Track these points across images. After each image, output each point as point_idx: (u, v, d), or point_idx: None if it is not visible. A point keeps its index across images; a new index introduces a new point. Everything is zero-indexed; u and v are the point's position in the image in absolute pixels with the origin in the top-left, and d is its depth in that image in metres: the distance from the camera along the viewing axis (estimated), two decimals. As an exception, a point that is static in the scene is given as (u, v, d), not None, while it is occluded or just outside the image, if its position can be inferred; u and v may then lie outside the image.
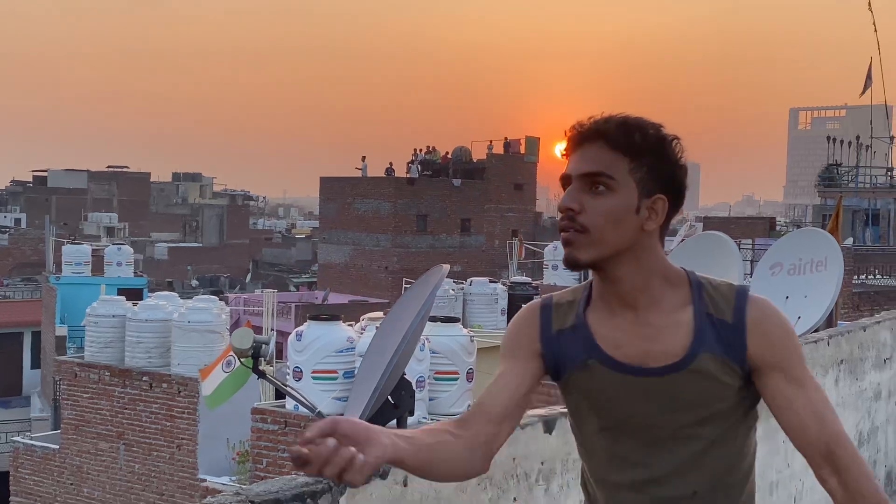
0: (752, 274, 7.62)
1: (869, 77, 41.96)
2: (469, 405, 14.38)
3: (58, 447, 19.49)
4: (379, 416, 3.61)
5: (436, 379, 13.87)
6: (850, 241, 37.19)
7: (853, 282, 30.36)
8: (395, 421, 3.72)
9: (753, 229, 42.20)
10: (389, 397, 3.59)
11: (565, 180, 1.87)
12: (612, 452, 1.93)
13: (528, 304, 2.07)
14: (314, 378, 13.52)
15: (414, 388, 12.63)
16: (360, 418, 3.84)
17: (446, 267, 4.12)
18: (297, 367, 13.71)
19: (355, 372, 13.27)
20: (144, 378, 18.23)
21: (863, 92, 42.83)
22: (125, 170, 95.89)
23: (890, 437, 6.81)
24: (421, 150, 51.56)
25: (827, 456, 1.81)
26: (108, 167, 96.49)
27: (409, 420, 3.87)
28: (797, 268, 7.05)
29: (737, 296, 1.87)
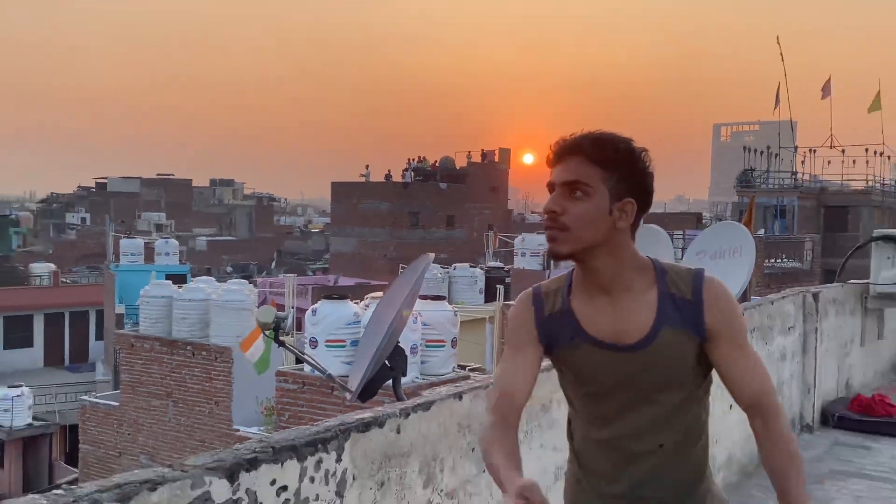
0: (682, 259, 7.57)
1: (777, 98, 42.03)
2: (454, 367, 14.35)
3: (118, 404, 19.38)
4: (378, 376, 3.60)
5: (427, 346, 13.87)
6: (762, 231, 37.33)
7: (765, 265, 30.46)
8: (391, 381, 3.72)
9: (684, 222, 42.29)
10: (386, 361, 3.60)
11: (550, 187, 1.87)
12: (594, 414, 1.95)
13: (521, 295, 2.05)
14: (327, 346, 13.53)
15: (408, 353, 12.72)
16: (362, 378, 3.84)
17: (431, 255, 4.11)
18: (313, 337, 13.71)
19: (359, 341, 13.32)
20: (188, 347, 18.15)
21: (774, 109, 42.89)
22: (171, 177, 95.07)
23: (794, 390, 6.79)
24: (413, 160, 51.33)
25: (757, 404, 1.87)
26: (157, 175, 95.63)
27: (403, 379, 3.86)
28: (718, 254, 7.05)
29: (694, 277, 1.88)
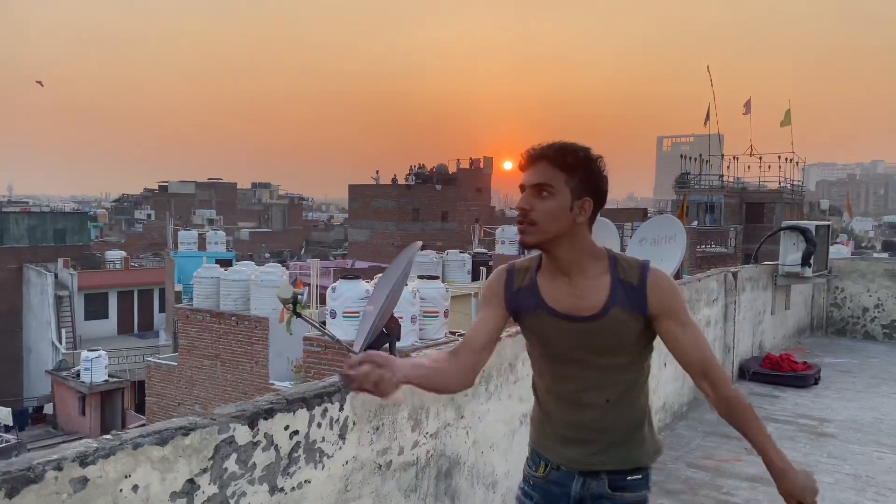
0: (628, 245, 7.53)
1: (707, 115, 41.90)
2: (446, 333, 14.31)
3: (176, 364, 19.32)
4: (377, 341, 3.57)
5: (424, 316, 13.83)
6: (695, 223, 37.27)
7: (697, 250, 30.44)
8: (387, 344, 3.68)
9: (633, 216, 42.20)
10: (384, 329, 3.56)
11: (522, 188, 1.86)
12: (554, 371, 1.96)
13: (498, 268, 2.06)
14: (343, 317, 13.46)
15: (408, 322, 12.67)
16: (363, 344, 3.80)
17: (419, 243, 4.06)
18: (332, 309, 13.65)
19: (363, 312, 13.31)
20: (233, 318, 18.04)
21: (705, 124, 42.78)
22: (219, 180, 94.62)
23: (716, 350, 6.73)
24: (415, 166, 51.08)
25: (703, 373, 1.87)
26: (209, 179, 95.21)
27: (399, 344, 3.83)
28: (656, 241, 7.00)
29: (641, 267, 1.88)
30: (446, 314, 14.42)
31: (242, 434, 2.18)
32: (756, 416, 1.85)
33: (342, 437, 2.55)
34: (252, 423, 2.21)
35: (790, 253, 7.98)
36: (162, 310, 35.54)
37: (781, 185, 40.93)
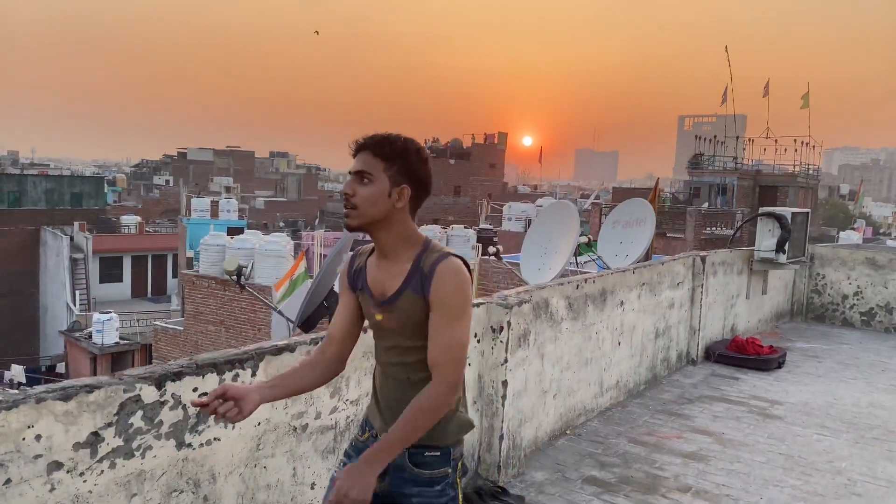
0: (601, 226, 7.64)
1: (724, 96, 41.50)
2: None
3: (182, 329, 19.78)
4: (315, 314, 3.77)
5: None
6: (705, 205, 37.09)
7: (703, 232, 30.36)
8: (327, 316, 3.88)
9: (643, 195, 42.10)
10: (324, 302, 3.76)
11: (350, 173, 1.98)
12: (376, 346, 2.12)
13: (351, 252, 2.21)
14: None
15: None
16: (300, 317, 4.01)
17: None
18: (335, 285, 13.89)
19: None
20: (236, 285, 18.39)
21: (721, 105, 42.36)
22: (238, 148, 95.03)
23: (681, 331, 6.90)
24: (428, 140, 51.16)
25: (433, 365, 1.92)
26: (227, 146, 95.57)
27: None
28: (628, 223, 7.15)
29: (437, 258, 1.94)
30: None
31: (149, 393, 2.39)
32: (413, 427, 1.88)
33: (254, 400, 2.75)
34: (160, 384, 2.42)
35: (765, 239, 8.07)
36: (175, 275, 36.11)
37: (796, 168, 40.48)
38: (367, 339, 3.31)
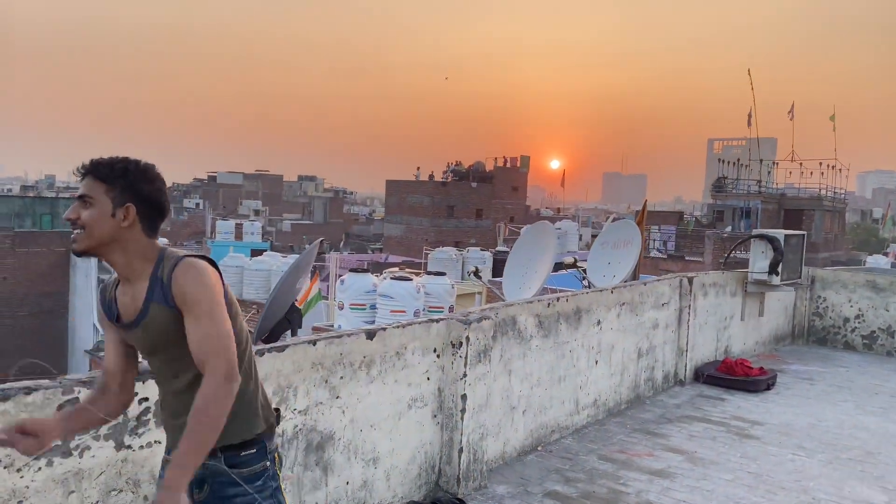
0: (591, 248, 7.72)
1: (749, 119, 41.27)
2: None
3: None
4: (278, 326, 3.92)
5: (429, 311, 14.09)
6: (728, 229, 36.77)
7: (730, 256, 30.03)
8: (289, 330, 4.03)
9: (667, 219, 41.83)
10: (287, 317, 3.92)
11: (75, 198, 1.98)
12: (152, 370, 2.09)
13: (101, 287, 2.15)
14: (351, 308, 13.82)
15: (411, 315, 13.01)
16: (262, 328, 4.17)
17: (319, 239, 4.40)
18: (340, 300, 14.08)
19: (376, 305, 13.69)
20: (254, 306, 18.65)
21: (748, 127, 42.17)
22: (267, 172, 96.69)
23: (667, 352, 6.93)
24: (452, 163, 51.53)
25: (200, 365, 1.87)
26: (256, 170, 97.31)
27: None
28: (616, 245, 7.23)
29: (174, 263, 1.93)
30: (451, 310, 14.72)
31: (88, 397, 2.56)
32: (203, 429, 1.81)
33: (197, 406, 2.91)
34: (99, 388, 2.59)
35: (759, 261, 8.08)
36: (199, 296, 36.63)
37: (821, 192, 39.99)
38: (315, 352, 3.47)
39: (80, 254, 1.96)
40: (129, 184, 1.94)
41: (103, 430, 2.61)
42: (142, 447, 2.73)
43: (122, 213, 1.93)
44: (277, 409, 2.19)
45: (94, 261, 34.15)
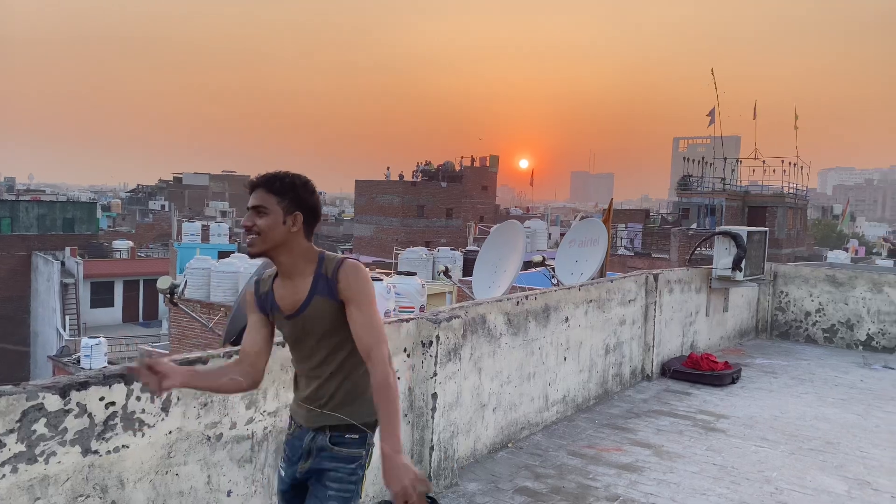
0: (559, 244, 7.80)
1: (711, 118, 41.96)
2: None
3: (168, 353, 19.82)
4: (245, 329, 3.90)
5: (400, 311, 14.06)
6: (694, 226, 37.33)
7: (694, 253, 30.50)
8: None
9: (633, 217, 42.38)
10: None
11: (248, 209, 2.29)
12: (294, 355, 2.40)
13: (253, 279, 2.50)
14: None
15: (382, 317, 12.99)
16: (230, 331, 4.15)
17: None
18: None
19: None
20: (221, 308, 18.42)
21: (709, 126, 42.83)
22: (233, 173, 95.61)
23: (634, 348, 7.03)
24: (421, 163, 51.49)
25: (367, 354, 2.20)
26: (223, 171, 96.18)
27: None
28: (583, 243, 7.31)
29: (337, 262, 2.27)
30: (423, 309, 14.72)
31: (52, 402, 2.53)
32: (391, 404, 2.12)
33: (165, 409, 2.90)
34: (64, 392, 2.56)
35: (722, 257, 8.24)
36: (166, 299, 36.13)
37: (784, 189, 40.80)
38: (284, 353, 3.47)
39: (255, 256, 2.29)
40: (296, 195, 2.25)
41: (69, 435, 2.58)
42: (109, 452, 2.71)
43: (291, 220, 2.24)
44: None
45: (56, 266, 33.44)
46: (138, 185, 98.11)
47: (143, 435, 2.82)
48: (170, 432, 2.92)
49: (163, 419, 2.89)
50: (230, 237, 36.38)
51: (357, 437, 2.31)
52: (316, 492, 2.29)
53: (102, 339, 26.18)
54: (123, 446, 2.76)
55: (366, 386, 2.27)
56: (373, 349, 2.18)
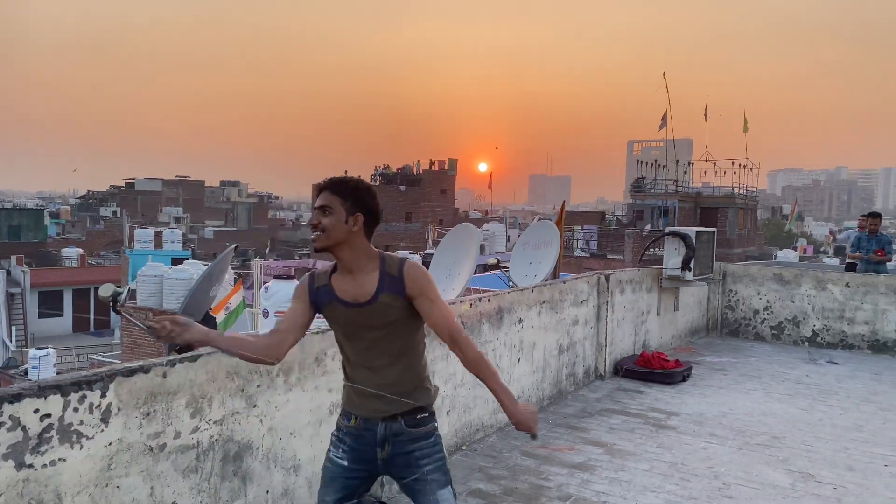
0: (513, 247, 7.85)
1: (664, 121, 42.63)
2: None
3: (119, 363, 19.39)
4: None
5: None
6: (648, 227, 37.99)
7: (644, 254, 31.02)
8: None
9: (590, 219, 42.95)
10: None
11: (314, 209, 2.51)
12: (352, 346, 2.57)
13: (306, 274, 2.68)
14: (276, 316, 13.55)
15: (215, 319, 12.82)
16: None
17: (233, 245, 4.35)
18: (265, 308, 13.80)
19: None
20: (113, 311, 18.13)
21: (660, 129, 43.53)
22: (187, 178, 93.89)
23: (587, 347, 7.10)
24: (379, 167, 51.37)
25: (451, 340, 2.54)
26: (176, 176, 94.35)
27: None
28: (536, 245, 7.38)
29: (400, 262, 2.51)
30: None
31: (-17, 415, 2.45)
32: (493, 372, 2.56)
33: (104, 420, 2.82)
34: (-5, 405, 2.48)
35: (672, 257, 8.39)
36: (118, 308, 35.29)
37: (735, 190, 41.78)
38: (230, 361, 3.41)
39: (318, 251, 2.52)
40: (358, 198, 2.50)
41: (2, 449, 2.50)
42: (45, 466, 2.63)
43: (352, 220, 2.47)
44: (436, 387, 2.69)
45: (2, 275, 32.38)
46: (89, 191, 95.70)
47: (81, 447, 2.75)
48: (110, 444, 2.85)
49: (102, 430, 2.82)
50: (184, 244, 35.73)
51: (427, 414, 2.60)
52: (416, 479, 2.55)
53: (51, 350, 25.42)
54: (60, 459, 2.68)
55: (424, 373, 2.61)
56: (455, 333, 2.50)
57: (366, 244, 2.52)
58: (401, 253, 24.99)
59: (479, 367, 2.55)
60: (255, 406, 3.50)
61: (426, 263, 24.32)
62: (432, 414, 2.63)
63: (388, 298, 2.45)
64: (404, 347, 2.53)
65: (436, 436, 2.64)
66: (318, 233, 2.47)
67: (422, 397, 2.58)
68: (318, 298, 2.57)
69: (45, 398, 2.62)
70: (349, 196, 2.47)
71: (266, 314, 14.00)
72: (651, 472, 4.84)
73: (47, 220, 45.66)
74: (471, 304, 5.24)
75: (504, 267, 7.81)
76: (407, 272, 2.48)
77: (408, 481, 2.58)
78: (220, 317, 11.41)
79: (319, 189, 2.52)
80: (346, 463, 2.62)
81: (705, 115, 45.24)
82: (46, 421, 2.63)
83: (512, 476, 4.70)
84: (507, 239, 37.27)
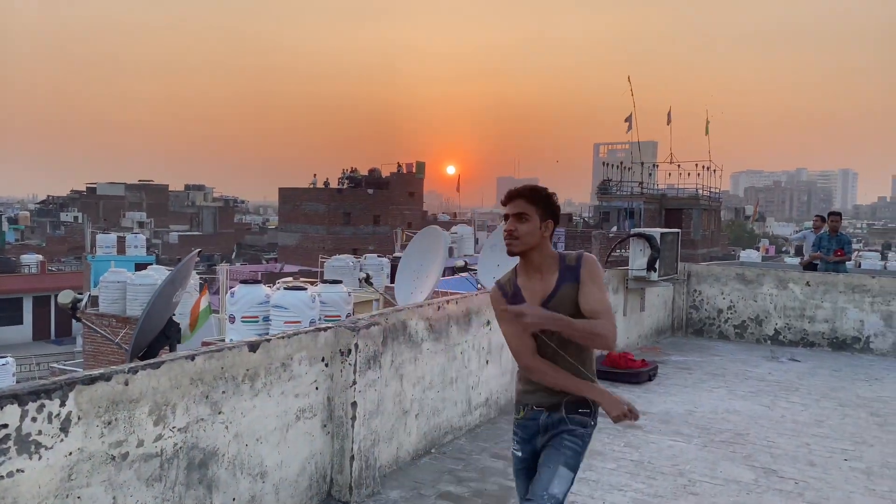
0: (481, 248, 7.84)
1: (629, 124, 43.18)
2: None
3: (81, 370, 18.98)
4: (156, 342, 3.77)
5: (325, 320, 13.83)
6: (614, 229, 38.43)
7: (610, 256, 31.36)
8: (167, 346, 3.88)
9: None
10: (165, 333, 3.77)
11: (506, 216, 2.70)
12: (538, 342, 2.69)
13: (493, 287, 2.86)
14: (242, 321, 13.26)
15: (306, 326, 12.73)
16: (137, 345, 4.01)
17: (198, 250, 4.29)
18: (231, 314, 13.55)
19: (269, 318, 13.29)
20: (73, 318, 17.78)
21: (627, 132, 44.07)
22: (151, 182, 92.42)
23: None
24: (347, 170, 51.12)
25: (595, 313, 2.60)
26: (140, 180, 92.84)
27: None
28: (504, 247, 7.40)
29: (579, 254, 2.74)
30: (349, 318, 14.55)
31: (-64, 427, 2.38)
32: (579, 326, 2.56)
33: (64, 430, 2.76)
34: (-51, 417, 2.41)
35: (637, 258, 8.49)
36: (79, 315, 34.59)
37: (698, 191, 42.44)
38: (193, 367, 3.37)
39: (513, 255, 2.72)
40: (549, 206, 2.71)
41: (-44, 462, 2.43)
42: (2, 477, 2.57)
43: (544, 226, 2.71)
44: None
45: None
46: (48, 196, 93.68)
47: (39, 458, 2.69)
48: (70, 454, 2.79)
49: (62, 440, 2.76)
50: (148, 249, 35.14)
51: (589, 410, 2.73)
52: (553, 444, 2.70)
53: (10, 359, 24.71)
54: (18, 471, 2.62)
55: (592, 367, 2.75)
56: (601, 312, 2.61)
57: (549, 246, 2.75)
58: (369, 256, 24.93)
59: (588, 326, 2.58)
60: (220, 412, 3.46)
61: (395, 267, 24.06)
62: (594, 412, 2.78)
63: (567, 288, 2.67)
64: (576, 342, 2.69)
65: (590, 427, 2.77)
66: (515, 239, 2.68)
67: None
68: (515, 302, 2.73)
69: (2, 408, 2.56)
70: (540, 204, 2.69)
71: (232, 319, 13.77)
72: (618, 471, 4.89)
73: (5, 226, 44.51)
74: (438, 307, 5.24)
75: (472, 269, 7.82)
76: (584, 259, 2.72)
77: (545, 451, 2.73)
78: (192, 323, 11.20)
79: (512, 197, 2.71)
80: (519, 454, 2.84)
81: (668, 117, 45.86)
82: (3, 431, 2.57)
83: (481, 478, 4.71)
84: (476, 241, 37.36)
